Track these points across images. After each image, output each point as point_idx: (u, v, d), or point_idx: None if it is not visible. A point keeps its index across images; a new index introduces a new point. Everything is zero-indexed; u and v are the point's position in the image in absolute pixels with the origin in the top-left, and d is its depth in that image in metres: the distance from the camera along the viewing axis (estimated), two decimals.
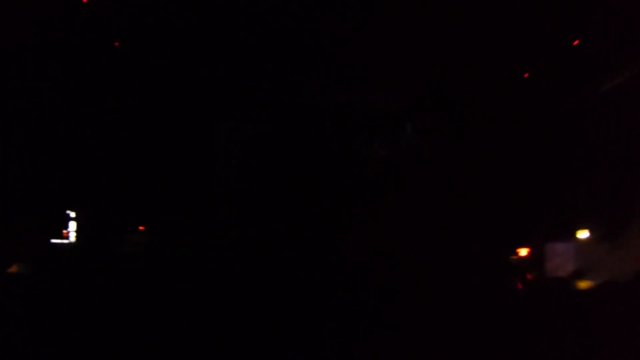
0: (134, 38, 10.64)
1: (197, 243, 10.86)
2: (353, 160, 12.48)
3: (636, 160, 10.35)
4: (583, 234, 11.47)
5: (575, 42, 9.23)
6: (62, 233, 9.28)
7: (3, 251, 7.62)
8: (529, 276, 11.43)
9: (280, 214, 12.06)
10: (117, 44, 10.51)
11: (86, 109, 10.63)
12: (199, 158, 12.22)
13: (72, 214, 9.47)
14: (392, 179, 12.37)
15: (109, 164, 10.62)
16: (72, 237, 9.40)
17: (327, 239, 11.92)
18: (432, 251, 12.12)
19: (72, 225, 9.44)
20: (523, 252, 12.11)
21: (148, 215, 10.74)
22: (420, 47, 10.42)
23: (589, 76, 10.07)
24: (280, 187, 12.18)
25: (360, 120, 14.52)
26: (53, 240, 9.15)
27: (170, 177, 11.51)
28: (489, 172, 12.08)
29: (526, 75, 10.66)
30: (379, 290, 7.93)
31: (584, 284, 9.21)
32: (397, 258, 11.94)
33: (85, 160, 10.20)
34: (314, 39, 10.39)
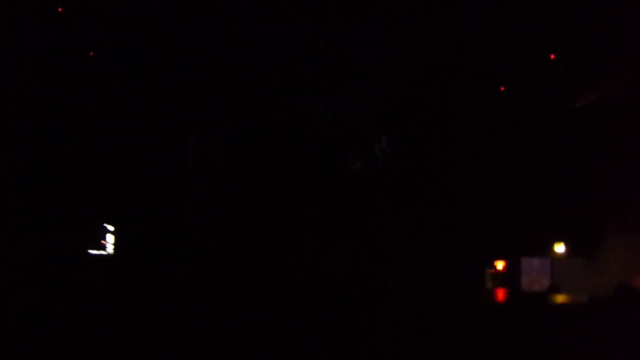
0: (112, 46, 10.50)
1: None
2: (328, 172, 12.39)
3: (613, 177, 10.43)
4: (559, 248, 11.51)
5: (552, 56, 9.26)
6: (100, 244, 9.78)
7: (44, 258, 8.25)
8: (504, 289, 11.39)
9: (257, 223, 11.90)
10: (91, 53, 10.33)
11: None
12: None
13: (110, 227, 9.93)
14: (366, 191, 12.28)
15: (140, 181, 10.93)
16: (110, 248, 9.85)
17: (301, 245, 11.80)
18: (407, 262, 12.03)
19: (110, 238, 9.90)
20: (499, 265, 12.10)
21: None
22: (397, 60, 10.39)
23: (566, 91, 10.11)
24: (256, 196, 12.02)
25: (335, 132, 14.47)
26: (91, 251, 9.65)
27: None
28: (466, 185, 12.05)
29: (502, 88, 10.68)
30: (347, 302, 7.75)
31: (559, 298, 9.16)
32: (370, 268, 11.83)
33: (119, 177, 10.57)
34: (290, 51, 10.31)
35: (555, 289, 10.18)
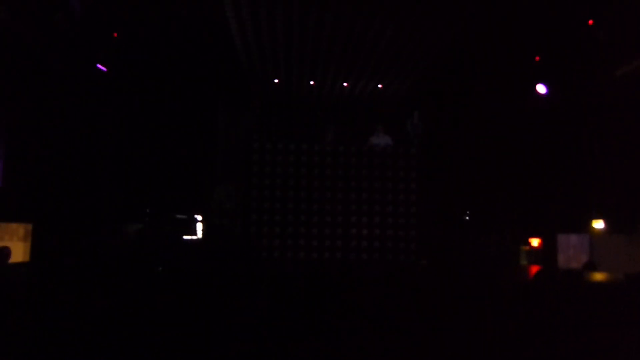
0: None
1: None
2: (357, 148, 12.23)
3: None
4: (598, 225, 11.09)
5: (590, 22, 8.80)
6: (194, 231, 12.64)
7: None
8: (539, 267, 11.12)
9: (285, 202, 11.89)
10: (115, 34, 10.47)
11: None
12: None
13: (199, 218, 12.73)
14: (396, 167, 12.09)
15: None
16: (200, 234, 12.62)
17: (329, 228, 11.73)
18: (439, 238, 11.85)
19: (199, 226, 12.74)
20: (535, 242, 11.79)
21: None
22: (429, 35, 10.11)
23: (604, 60, 9.64)
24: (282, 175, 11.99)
25: (364, 107, 14.31)
26: (185, 237, 12.45)
27: None
28: (501, 159, 11.74)
29: (537, 58, 10.27)
30: (382, 280, 7.70)
31: (597, 276, 8.86)
32: (401, 245, 11.71)
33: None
34: (319, 27, 10.13)
35: (591, 266, 9.81)
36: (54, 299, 5.30)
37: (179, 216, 12.54)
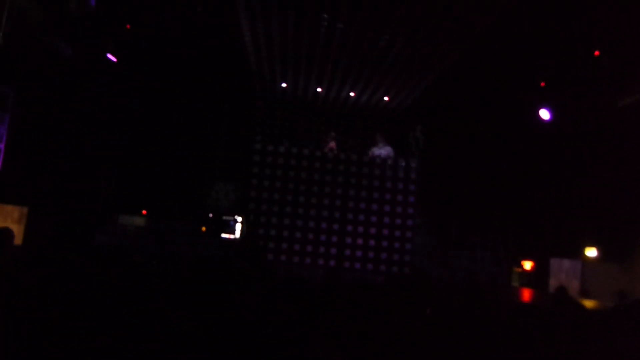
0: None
1: None
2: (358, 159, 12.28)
3: None
4: (591, 252, 11.17)
5: (596, 53, 8.90)
6: (232, 231, 13.71)
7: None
8: (531, 290, 11.18)
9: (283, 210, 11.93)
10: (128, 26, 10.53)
11: None
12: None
13: (239, 219, 13.63)
14: (395, 179, 12.14)
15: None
16: (238, 234, 13.42)
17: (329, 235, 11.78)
18: (432, 255, 11.88)
19: (238, 227, 13.61)
20: (527, 265, 11.86)
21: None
22: (437, 50, 10.18)
23: (607, 90, 9.74)
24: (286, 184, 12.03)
25: (369, 117, 14.36)
26: (223, 235, 13.60)
27: None
28: (500, 180, 11.80)
29: (542, 84, 10.36)
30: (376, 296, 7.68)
31: (587, 303, 8.91)
32: (395, 258, 11.76)
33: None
34: (329, 36, 10.20)
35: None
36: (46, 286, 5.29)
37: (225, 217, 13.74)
